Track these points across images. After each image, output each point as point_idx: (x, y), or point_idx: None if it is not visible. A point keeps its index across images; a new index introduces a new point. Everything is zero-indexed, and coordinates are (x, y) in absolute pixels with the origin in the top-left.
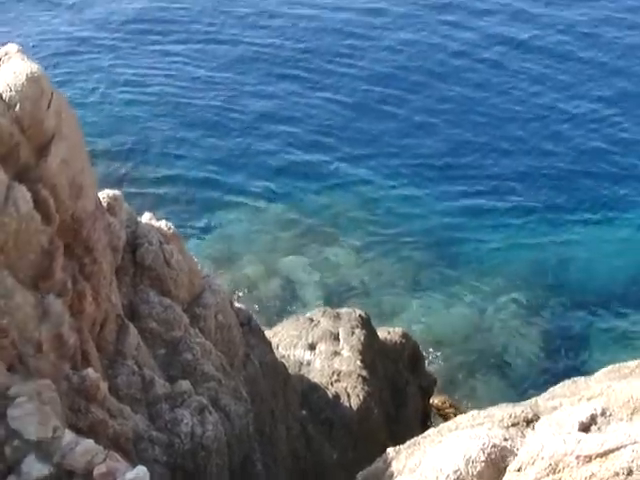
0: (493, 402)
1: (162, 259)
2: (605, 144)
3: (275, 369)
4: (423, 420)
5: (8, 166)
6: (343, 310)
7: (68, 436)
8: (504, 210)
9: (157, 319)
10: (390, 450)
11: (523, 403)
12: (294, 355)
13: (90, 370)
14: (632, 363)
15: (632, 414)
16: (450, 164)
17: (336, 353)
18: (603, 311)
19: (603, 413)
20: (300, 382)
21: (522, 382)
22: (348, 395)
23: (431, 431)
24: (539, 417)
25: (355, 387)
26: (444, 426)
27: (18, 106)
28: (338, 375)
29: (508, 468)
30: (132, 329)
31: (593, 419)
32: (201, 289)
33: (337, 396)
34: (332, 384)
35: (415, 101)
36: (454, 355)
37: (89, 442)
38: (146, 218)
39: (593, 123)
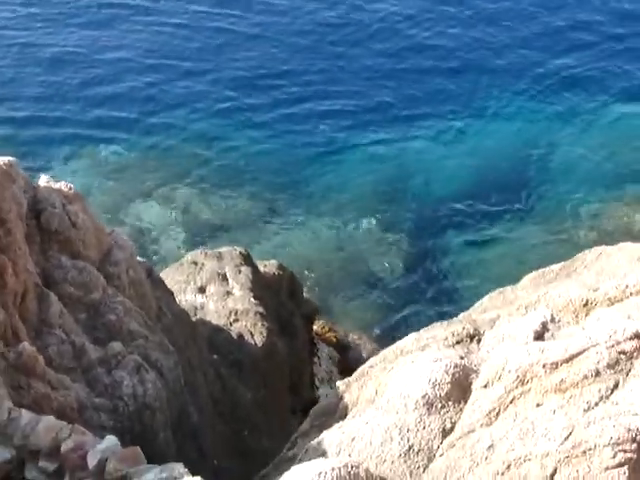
0: (368, 321)
1: (68, 221)
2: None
3: (182, 317)
4: (310, 349)
5: None
6: (223, 249)
7: (26, 415)
8: (349, 141)
9: (73, 283)
10: (339, 383)
11: (455, 319)
12: (186, 300)
13: (25, 344)
14: (555, 267)
15: (576, 316)
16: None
17: (228, 293)
18: (453, 220)
19: (552, 319)
20: (203, 326)
21: (392, 298)
22: (251, 333)
23: (375, 359)
24: (480, 332)
25: (255, 324)
26: (388, 352)
27: None
28: (235, 314)
29: (473, 386)
30: (52, 297)
31: (544, 327)
32: (109, 246)
33: (241, 336)
34: (231, 324)
35: None
36: (323, 279)
37: (49, 418)
38: (43, 181)
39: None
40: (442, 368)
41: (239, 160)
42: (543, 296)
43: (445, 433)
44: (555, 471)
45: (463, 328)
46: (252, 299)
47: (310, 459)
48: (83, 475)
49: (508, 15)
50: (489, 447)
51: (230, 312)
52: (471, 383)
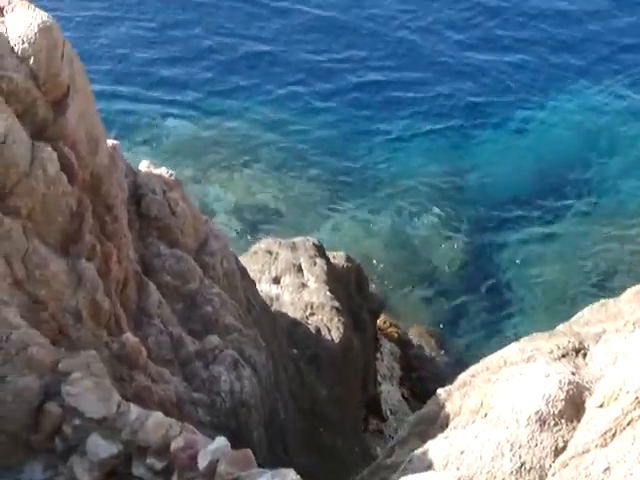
0: (428, 318)
1: (168, 208)
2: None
3: (265, 309)
4: (374, 345)
5: (26, 125)
6: (297, 240)
7: (134, 410)
8: (411, 130)
9: (171, 272)
10: (441, 391)
11: (556, 331)
12: (261, 290)
13: (128, 334)
14: None
15: None
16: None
17: (303, 285)
18: (513, 215)
19: None
20: (282, 319)
21: (452, 294)
22: (328, 328)
23: (476, 368)
24: (585, 346)
25: (332, 319)
26: (490, 362)
27: (32, 59)
28: (312, 308)
29: (588, 404)
30: (152, 286)
31: None
32: (205, 236)
33: (318, 330)
34: (307, 317)
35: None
36: (383, 271)
37: (158, 414)
38: (144, 166)
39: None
40: (556, 384)
41: (299, 145)
42: None
43: (557, 452)
44: None
45: (568, 341)
46: (328, 292)
47: (415, 469)
48: (192, 475)
49: (576, 10)
50: (605, 469)
51: (306, 305)
52: (584, 401)
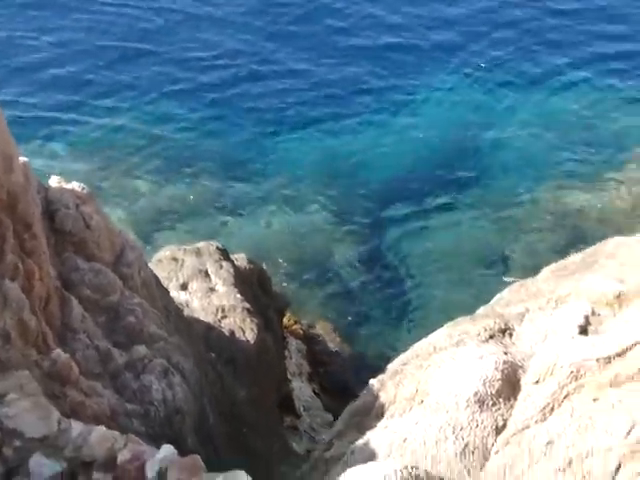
0: (328, 311)
1: (82, 222)
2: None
3: (180, 316)
4: (281, 343)
5: None
6: (201, 245)
7: (76, 426)
8: (292, 104)
9: (90, 286)
10: (373, 382)
11: (478, 314)
12: None
13: (59, 351)
14: (574, 258)
15: (612, 309)
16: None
17: (211, 289)
18: (409, 204)
19: (593, 313)
20: (197, 324)
21: (349, 286)
22: (242, 330)
23: (406, 356)
24: (510, 326)
25: (244, 320)
26: (419, 349)
27: None
28: (223, 311)
29: (523, 381)
30: (73, 300)
31: (587, 320)
32: (121, 247)
33: (232, 333)
34: (220, 321)
35: None
36: (280, 269)
37: (101, 429)
38: (55, 181)
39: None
40: (492, 365)
41: (188, 142)
42: (574, 289)
43: (498, 430)
44: (620, 466)
45: (494, 323)
46: (237, 295)
47: (357, 460)
48: None
49: None
50: (547, 443)
51: (217, 309)
52: (519, 379)
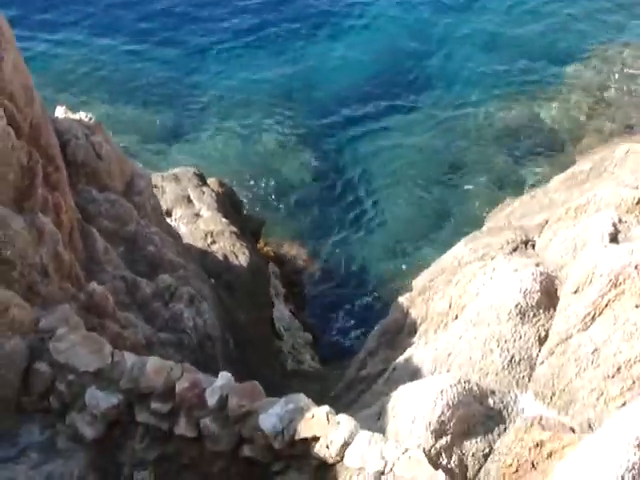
0: (294, 230)
1: (93, 152)
2: None
3: (179, 242)
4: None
5: None
6: (177, 170)
7: (129, 358)
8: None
9: (108, 216)
10: (402, 299)
11: (494, 226)
12: None
13: (94, 283)
14: (584, 167)
15: (636, 216)
16: None
17: (197, 215)
18: (352, 115)
19: (620, 220)
20: (193, 250)
21: (308, 201)
22: (235, 254)
23: (431, 272)
24: (529, 237)
25: (234, 244)
26: (443, 264)
27: None
28: (212, 236)
29: (562, 292)
30: (95, 233)
31: (616, 228)
32: (130, 175)
33: (226, 257)
34: (209, 246)
35: None
36: (242, 191)
37: (155, 359)
38: (61, 112)
39: None
40: (530, 277)
41: (133, 67)
42: (592, 198)
43: (541, 341)
44: None
45: (516, 235)
46: (224, 219)
47: (400, 377)
48: (202, 414)
49: None
50: (593, 351)
51: (205, 234)
52: (556, 289)
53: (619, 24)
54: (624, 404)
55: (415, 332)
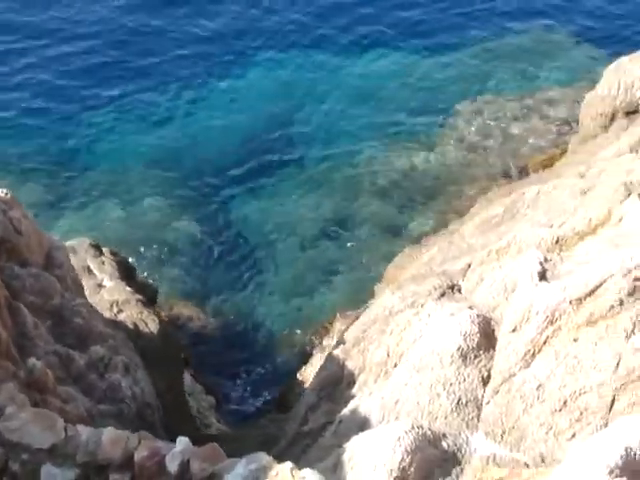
0: (185, 291)
1: (12, 228)
2: None
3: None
4: None
5: None
6: (74, 242)
7: (84, 431)
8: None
9: (32, 291)
10: (336, 352)
11: (416, 274)
12: None
13: (33, 359)
14: (497, 211)
15: (558, 254)
16: None
17: (99, 285)
18: (230, 176)
19: (545, 259)
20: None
21: (197, 262)
22: (144, 322)
23: (363, 323)
24: (455, 282)
25: (142, 312)
26: (374, 314)
27: None
28: (117, 305)
29: (500, 332)
30: (23, 308)
31: (543, 267)
32: (48, 248)
33: (135, 325)
34: (116, 315)
35: None
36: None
37: (111, 430)
38: None
39: None
40: (468, 319)
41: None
42: (512, 240)
43: (485, 381)
44: (614, 399)
45: (441, 280)
46: (126, 287)
47: (348, 428)
48: None
49: None
50: (538, 387)
51: (111, 304)
52: (494, 330)
53: (489, 75)
54: (574, 436)
55: (354, 383)
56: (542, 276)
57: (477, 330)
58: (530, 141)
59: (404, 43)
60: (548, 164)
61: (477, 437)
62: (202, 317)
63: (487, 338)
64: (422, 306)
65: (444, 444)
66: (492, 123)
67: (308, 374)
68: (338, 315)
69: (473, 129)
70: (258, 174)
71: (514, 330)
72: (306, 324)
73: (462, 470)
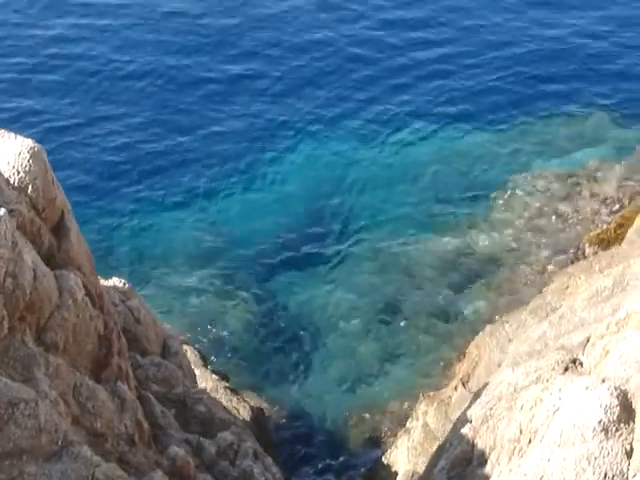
0: (257, 380)
1: (132, 318)
2: None
3: None
4: None
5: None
6: None
7: None
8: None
9: (156, 380)
10: (465, 431)
11: (533, 350)
12: None
13: (174, 448)
14: (606, 283)
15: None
16: None
17: None
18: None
19: None
20: None
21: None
22: (237, 409)
23: (487, 402)
24: (575, 356)
25: (230, 400)
26: (499, 392)
27: (30, 188)
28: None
29: (638, 403)
30: (152, 397)
31: None
32: (163, 337)
33: (229, 412)
34: None
35: None
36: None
37: None
38: None
39: None
40: (606, 392)
41: None
42: (632, 312)
43: (628, 455)
44: None
45: (563, 355)
46: (213, 375)
47: None
48: None
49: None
50: None
51: None
52: (631, 403)
53: (535, 153)
54: None
55: (486, 462)
56: None
57: (617, 403)
58: (580, 217)
59: (447, 120)
60: (605, 238)
61: None
62: (268, 405)
63: (626, 411)
64: (547, 381)
65: None
66: (540, 201)
67: (394, 458)
68: (421, 396)
69: (524, 207)
70: (309, 260)
71: None
72: (373, 408)
73: None
